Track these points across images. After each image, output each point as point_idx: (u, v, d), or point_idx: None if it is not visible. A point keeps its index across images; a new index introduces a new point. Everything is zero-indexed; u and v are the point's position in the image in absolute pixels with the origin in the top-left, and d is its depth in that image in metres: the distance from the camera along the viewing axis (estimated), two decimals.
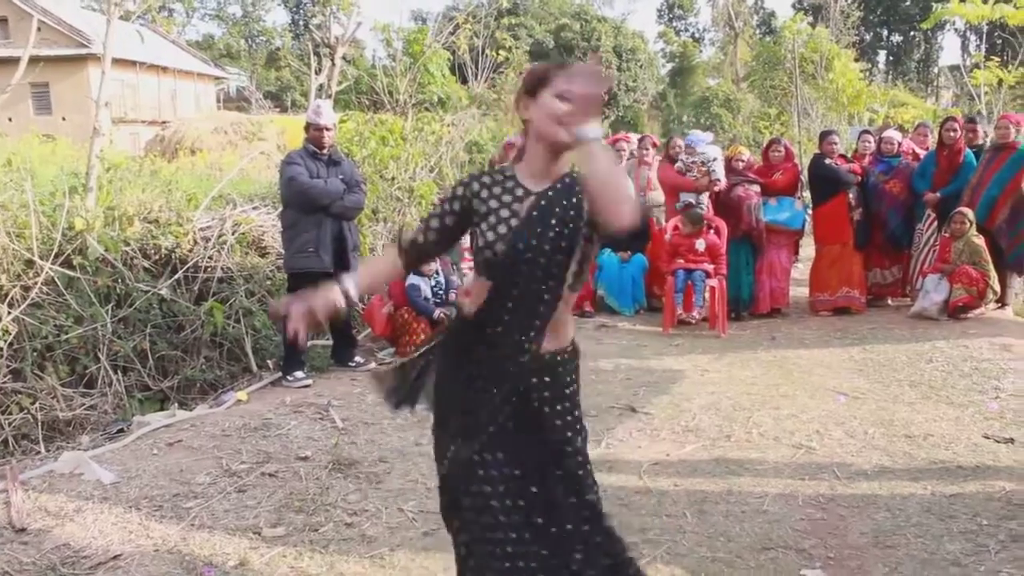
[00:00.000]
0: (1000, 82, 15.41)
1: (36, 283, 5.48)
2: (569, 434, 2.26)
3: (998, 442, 4.41)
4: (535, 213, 2.16)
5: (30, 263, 5.60)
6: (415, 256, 2.38)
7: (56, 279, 5.59)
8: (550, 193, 2.17)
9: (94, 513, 3.62)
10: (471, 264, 4.64)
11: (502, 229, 2.17)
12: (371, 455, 4.34)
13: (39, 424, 5.04)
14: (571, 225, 2.14)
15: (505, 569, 2.18)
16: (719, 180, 7.68)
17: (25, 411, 5.08)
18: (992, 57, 18.73)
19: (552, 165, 2.19)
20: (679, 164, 7.98)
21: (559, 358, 2.26)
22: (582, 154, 2.02)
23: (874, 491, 3.84)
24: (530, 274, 2.14)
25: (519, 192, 2.20)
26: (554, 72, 2.12)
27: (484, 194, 2.23)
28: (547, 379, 2.24)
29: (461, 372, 2.27)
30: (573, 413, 2.29)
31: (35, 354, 5.34)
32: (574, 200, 2.15)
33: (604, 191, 1.99)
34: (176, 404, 5.52)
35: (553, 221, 2.14)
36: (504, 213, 2.19)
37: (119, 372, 5.61)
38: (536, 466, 2.23)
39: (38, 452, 4.76)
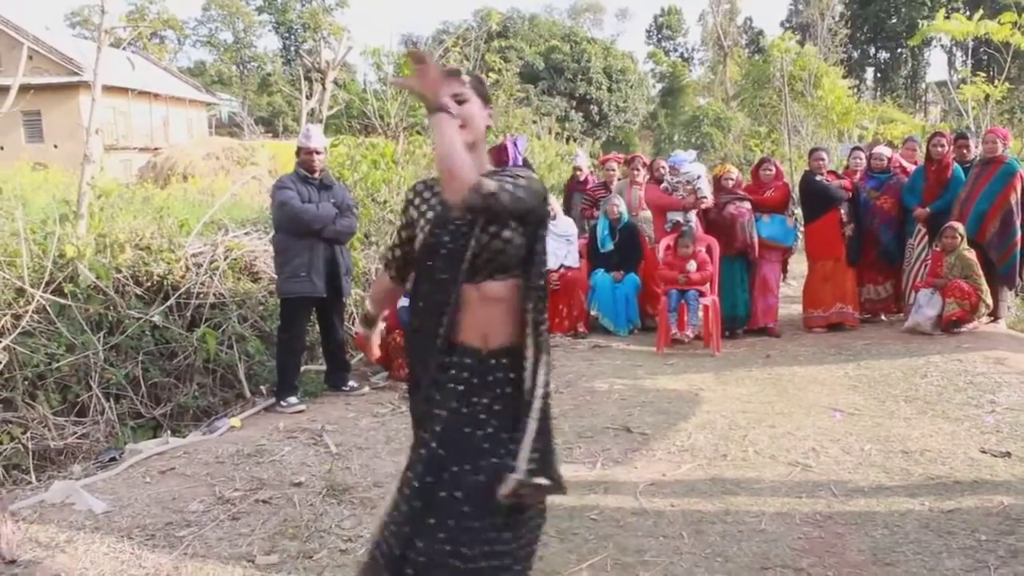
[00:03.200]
0: (987, 97, 15.48)
1: (27, 311, 5.45)
2: None
3: (995, 456, 4.40)
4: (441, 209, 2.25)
5: (21, 291, 5.57)
6: (396, 269, 2.49)
7: (47, 307, 5.56)
8: None
9: (86, 543, 3.58)
10: None
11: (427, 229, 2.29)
12: (365, 480, 4.31)
13: (30, 454, 5.00)
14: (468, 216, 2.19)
15: None
16: (705, 197, 7.71)
17: (16, 441, 5.03)
18: (978, 72, 18.86)
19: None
20: (665, 184, 8.01)
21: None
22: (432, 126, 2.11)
23: (871, 508, 3.82)
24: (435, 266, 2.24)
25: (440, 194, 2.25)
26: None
27: (417, 200, 2.35)
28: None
29: None
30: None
31: (26, 383, 5.30)
32: None
33: (439, 164, 2.08)
34: (169, 431, 5.48)
35: (456, 214, 2.19)
36: (429, 214, 2.30)
37: (111, 400, 5.57)
38: None
39: (29, 482, 4.71)
